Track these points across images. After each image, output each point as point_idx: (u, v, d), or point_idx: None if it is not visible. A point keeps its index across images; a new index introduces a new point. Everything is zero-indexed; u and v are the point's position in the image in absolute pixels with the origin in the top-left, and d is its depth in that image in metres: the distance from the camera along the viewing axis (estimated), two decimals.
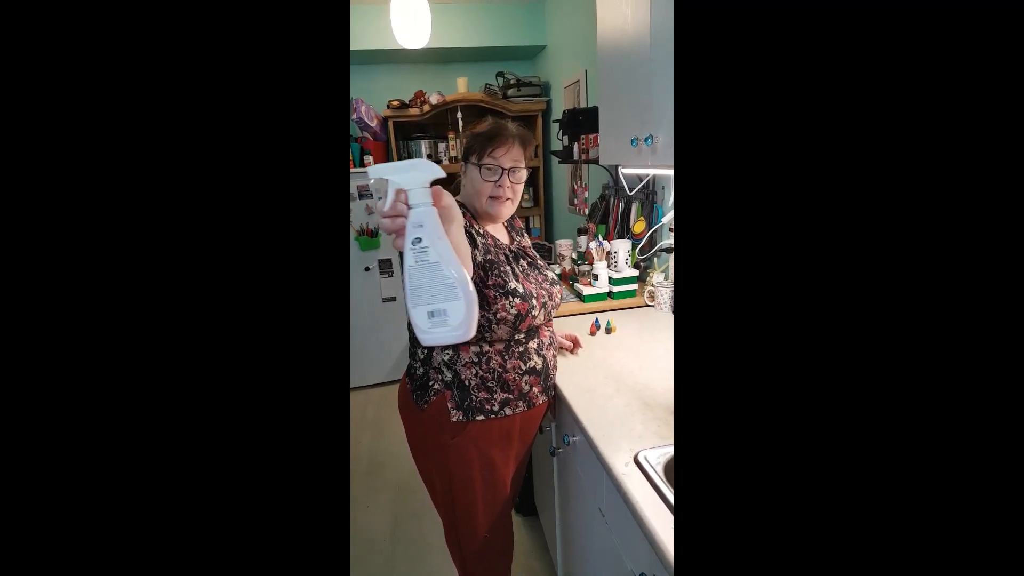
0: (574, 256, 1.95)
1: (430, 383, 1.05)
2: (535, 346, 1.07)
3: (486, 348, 1.02)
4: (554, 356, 1.14)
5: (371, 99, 2.97)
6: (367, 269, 2.86)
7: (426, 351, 1.06)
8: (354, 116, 2.79)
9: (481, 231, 1.03)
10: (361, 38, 2.67)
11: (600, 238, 1.76)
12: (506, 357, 1.03)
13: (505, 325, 0.98)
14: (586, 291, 1.64)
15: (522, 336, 1.04)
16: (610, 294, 1.66)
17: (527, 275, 1.08)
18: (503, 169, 1.02)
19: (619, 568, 0.86)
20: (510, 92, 2.92)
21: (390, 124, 2.86)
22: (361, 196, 2.79)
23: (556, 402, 1.17)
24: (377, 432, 2.55)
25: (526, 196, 3.20)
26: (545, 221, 3.29)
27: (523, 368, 1.05)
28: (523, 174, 1.06)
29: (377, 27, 2.66)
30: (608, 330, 1.42)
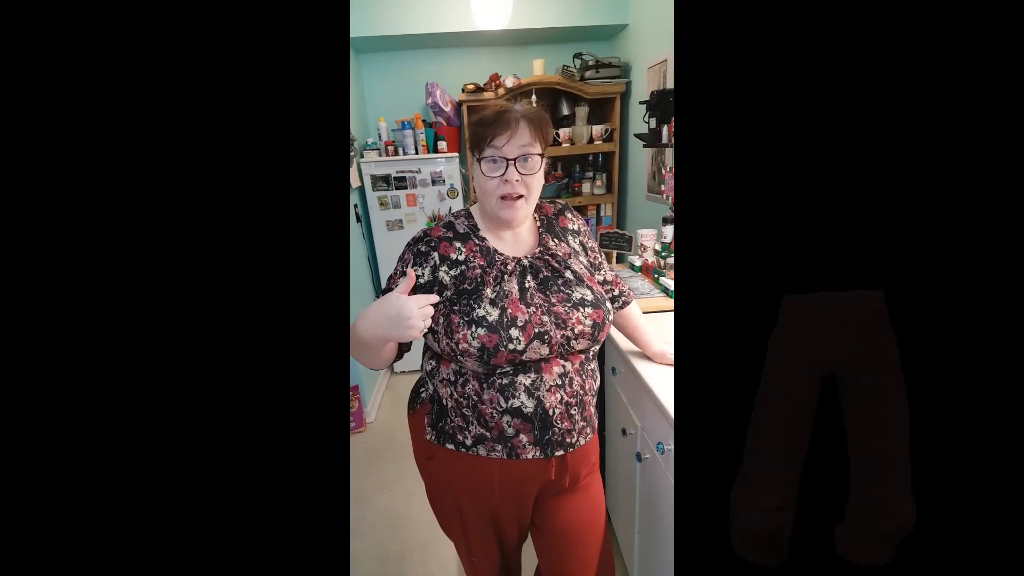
0: (657, 247, 1.82)
1: (420, 389, 0.97)
2: (527, 382, 0.84)
3: (464, 370, 0.87)
4: (563, 403, 0.86)
5: (446, 83, 2.94)
6: None
7: (426, 354, 0.95)
8: (429, 101, 2.78)
9: (462, 253, 0.87)
10: (436, 21, 2.63)
11: None
12: (484, 385, 0.85)
13: (469, 358, 0.82)
14: (673, 286, 1.52)
15: (507, 368, 0.84)
16: None
17: (530, 295, 0.85)
18: (508, 160, 0.83)
19: None
20: (587, 74, 2.78)
21: (464, 108, 2.82)
22: (434, 183, 2.78)
23: (646, 411, 1.07)
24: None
25: (599, 182, 3.06)
26: (618, 209, 3.15)
27: (503, 405, 0.84)
28: (536, 162, 0.86)
29: (454, 9, 2.61)
30: None
